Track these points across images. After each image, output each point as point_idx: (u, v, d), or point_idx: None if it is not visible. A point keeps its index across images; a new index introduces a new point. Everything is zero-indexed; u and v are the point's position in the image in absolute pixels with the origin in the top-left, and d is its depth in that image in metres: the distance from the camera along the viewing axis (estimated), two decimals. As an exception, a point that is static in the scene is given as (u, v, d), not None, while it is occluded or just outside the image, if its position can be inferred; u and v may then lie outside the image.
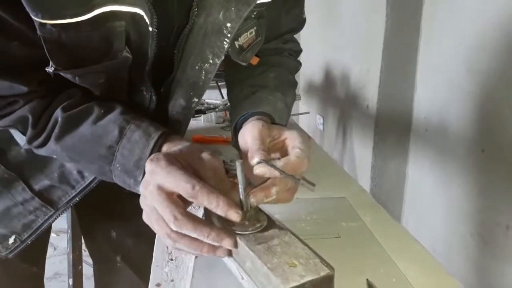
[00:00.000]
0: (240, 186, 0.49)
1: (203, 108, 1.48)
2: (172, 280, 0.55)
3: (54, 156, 0.65)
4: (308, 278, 0.42)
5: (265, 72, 0.77)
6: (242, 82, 0.77)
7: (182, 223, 0.48)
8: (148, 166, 0.51)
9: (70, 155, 0.62)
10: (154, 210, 0.50)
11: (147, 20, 0.56)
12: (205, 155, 0.54)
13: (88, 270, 1.06)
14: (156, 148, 0.55)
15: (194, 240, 0.50)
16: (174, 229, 0.48)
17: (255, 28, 0.68)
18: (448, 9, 1.52)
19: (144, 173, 0.54)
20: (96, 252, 0.97)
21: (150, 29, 0.57)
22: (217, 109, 1.47)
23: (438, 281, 0.54)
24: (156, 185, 0.50)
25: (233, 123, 0.71)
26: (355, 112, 2.26)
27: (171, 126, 0.71)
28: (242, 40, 0.67)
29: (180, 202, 0.49)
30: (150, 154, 0.54)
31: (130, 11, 0.54)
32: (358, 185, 0.92)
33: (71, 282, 0.99)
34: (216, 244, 0.49)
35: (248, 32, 0.67)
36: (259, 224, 0.50)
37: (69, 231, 0.97)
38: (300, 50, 0.87)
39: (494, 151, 1.25)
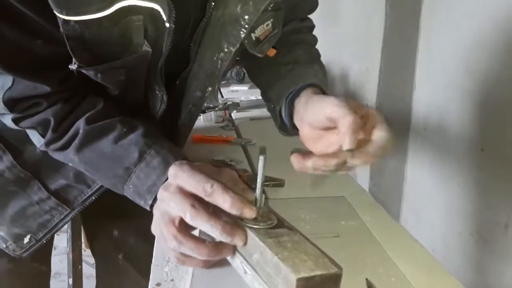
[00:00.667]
0: (258, 181, 0.50)
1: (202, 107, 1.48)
2: (172, 280, 0.55)
3: (70, 164, 0.65)
4: (318, 272, 0.43)
5: (292, 51, 0.77)
6: (271, 65, 0.77)
7: (198, 212, 0.49)
8: (172, 170, 0.54)
9: (86, 168, 0.63)
10: (165, 214, 0.51)
11: (164, 16, 0.55)
12: (223, 169, 0.56)
13: (88, 269, 1.06)
14: None
15: (200, 243, 0.51)
16: (189, 219, 0.49)
17: (271, 20, 0.68)
18: (447, 8, 1.52)
19: (155, 198, 0.55)
20: (98, 251, 0.97)
21: (167, 25, 0.57)
22: (216, 109, 1.47)
23: (437, 280, 0.55)
24: (177, 186, 0.52)
25: (277, 103, 0.71)
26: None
27: (183, 120, 0.72)
28: (259, 32, 0.67)
29: (198, 199, 0.51)
30: (165, 181, 0.55)
31: (148, 6, 0.54)
32: (357, 184, 0.92)
33: (71, 282, 0.99)
34: (227, 238, 0.49)
35: (265, 24, 0.67)
36: (270, 221, 0.51)
37: (69, 230, 0.97)
38: (314, 26, 0.88)
39: (493, 150, 1.25)
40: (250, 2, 0.61)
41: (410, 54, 1.60)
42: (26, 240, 0.75)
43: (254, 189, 0.52)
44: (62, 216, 0.75)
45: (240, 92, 1.98)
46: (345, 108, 0.52)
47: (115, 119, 0.61)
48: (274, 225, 0.51)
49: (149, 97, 0.67)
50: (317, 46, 0.90)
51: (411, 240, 0.64)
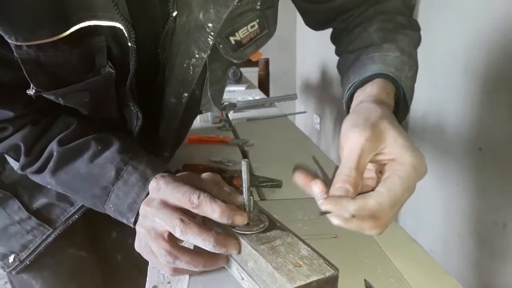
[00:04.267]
0: (244, 185, 0.49)
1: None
2: (169, 282, 0.54)
3: (49, 186, 0.64)
4: (314, 278, 0.43)
5: (365, 30, 0.67)
6: (343, 51, 0.71)
7: (188, 227, 0.47)
8: (153, 184, 0.52)
9: (64, 190, 0.61)
10: (151, 230, 0.50)
11: (127, 34, 0.54)
12: (204, 174, 0.54)
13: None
14: None
15: (195, 255, 0.50)
16: (179, 235, 0.47)
17: (257, 20, 0.64)
18: (444, 8, 1.53)
19: (137, 215, 0.54)
20: (97, 251, 0.97)
21: (130, 44, 0.55)
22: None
23: (436, 280, 0.54)
24: (160, 200, 0.50)
25: (344, 101, 0.62)
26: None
27: (164, 124, 0.70)
28: (241, 35, 0.64)
29: (184, 211, 0.49)
30: (145, 198, 0.54)
31: (109, 25, 0.52)
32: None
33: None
34: (221, 250, 0.48)
35: (249, 26, 0.64)
36: (262, 224, 0.51)
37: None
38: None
39: (491, 150, 1.25)
40: (211, 10, 0.58)
41: (407, 54, 1.60)
42: (11, 259, 0.74)
43: (232, 177, 0.50)
44: (44, 237, 0.73)
45: (237, 92, 1.98)
46: (348, 163, 0.43)
47: (89, 137, 0.60)
48: (266, 228, 0.50)
49: (124, 114, 0.66)
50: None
51: (410, 240, 0.64)
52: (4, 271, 0.75)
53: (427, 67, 1.53)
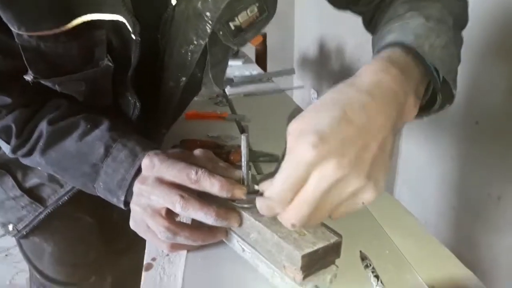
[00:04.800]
0: (243, 160, 0.49)
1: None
2: (167, 255, 0.55)
3: (39, 168, 0.64)
4: (320, 245, 0.44)
5: (392, 5, 0.62)
6: (375, 28, 0.67)
7: (189, 201, 0.47)
8: (146, 161, 0.51)
9: (54, 169, 0.61)
10: (147, 208, 0.50)
11: (129, 28, 0.54)
12: (196, 151, 0.54)
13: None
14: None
15: (194, 229, 0.51)
16: (179, 210, 0.47)
17: (257, 4, 0.63)
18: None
19: (127, 192, 0.54)
20: (105, 221, 0.98)
21: (134, 37, 0.55)
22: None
23: (431, 252, 0.55)
24: (155, 178, 0.50)
25: None
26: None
27: (162, 105, 0.70)
28: (240, 19, 0.63)
29: (181, 187, 0.49)
30: (135, 175, 0.53)
31: (111, 19, 0.52)
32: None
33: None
34: (222, 223, 0.49)
35: (248, 10, 0.63)
36: None
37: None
38: None
39: (487, 123, 1.25)
40: (209, 0, 0.58)
41: (406, 27, 1.58)
42: (10, 228, 0.77)
43: (229, 151, 0.50)
44: (37, 213, 0.75)
45: (234, 67, 1.96)
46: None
47: (79, 116, 0.59)
48: None
49: (120, 103, 0.66)
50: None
51: (405, 213, 0.65)
52: (12, 236, 0.78)
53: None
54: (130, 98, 0.65)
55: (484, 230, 1.28)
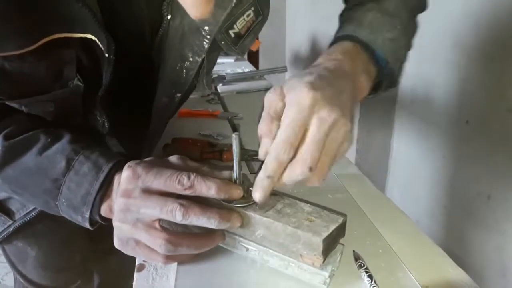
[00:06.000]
0: (234, 159, 0.49)
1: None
2: (159, 256, 0.54)
3: None
4: (332, 226, 0.46)
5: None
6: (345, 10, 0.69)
7: (190, 208, 0.45)
8: (128, 172, 0.47)
9: (13, 188, 0.57)
10: (137, 223, 0.47)
11: (101, 46, 0.51)
12: (171, 157, 0.51)
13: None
14: (107, 181, 0.51)
15: (194, 237, 0.49)
16: (180, 219, 0.45)
17: (253, 8, 0.61)
18: (435, -21, 1.51)
19: (92, 208, 0.51)
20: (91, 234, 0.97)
21: (107, 55, 0.52)
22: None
23: (424, 251, 0.55)
24: (141, 189, 0.47)
25: None
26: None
27: (155, 123, 0.69)
28: (239, 26, 0.60)
29: (170, 196, 0.47)
30: (99, 189, 0.50)
31: (80, 36, 0.50)
32: (344, 157, 0.92)
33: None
34: (226, 225, 0.47)
35: (245, 15, 0.61)
36: None
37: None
38: None
39: (478, 122, 1.26)
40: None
41: (398, 26, 1.59)
42: None
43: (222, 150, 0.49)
44: (6, 226, 0.73)
45: (226, 64, 1.95)
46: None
47: (38, 130, 0.56)
48: None
49: (89, 122, 0.63)
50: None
51: (398, 212, 0.65)
52: None
53: (416, 40, 1.52)
54: (98, 118, 0.61)
55: (475, 229, 1.29)
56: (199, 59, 0.60)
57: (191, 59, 0.60)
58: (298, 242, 0.45)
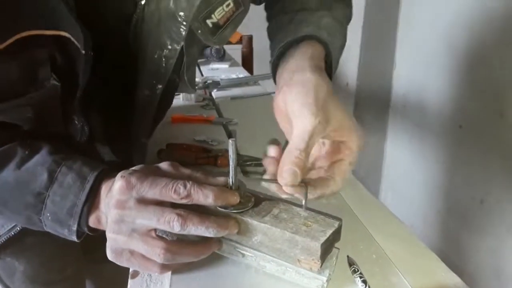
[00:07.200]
0: (231, 165, 0.48)
1: (182, 86, 1.46)
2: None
3: None
4: (329, 231, 0.46)
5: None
6: (275, 15, 0.70)
7: (188, 218, 0.44)
8: (121, 182, 0.46)
9: None
10: (133, 233, 0.46)
11: (77, 44, 0.49)
12: (162, 164, 0.50)
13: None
14: (93, 191, 0.50)
15: (192, 245, 0.48)
16: (178, 229, 0.44)
17: None
18: (427, -15, 1.52)
19: (79, 220, 0.49)
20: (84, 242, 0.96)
21: (83, 52, 0.50)
22: (196, 87, 1.45)
23: (418, 255, 0.56)
24: (136, 200, 0.45)
25: (271, 61, 0.62)
26: (335, 90, 2.28)
27: (138, 119, 0.67)
28: (217, 16, 0.59)
29: (165, 205, 0.46)
30: (86, 200, 0.49)
31: (53, 34, 0.48)
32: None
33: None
34: (223, 232, 0.46)
35: (225, 5, 0.59)
36: (252, 199, 0.51)
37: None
38: None
39: (471, 127, 1.27)
40: None
41: (390, 31, 1.60)
42: None
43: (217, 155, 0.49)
44: None
45: (220, 70, 1.96)
46: (306, 132, 0.45)
47: (14, 143, 0.53)
48: (255, 202, 0.51)
49: (68, 128, 0.60)
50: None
51: (391, 216, 0.65)
52: None
53: (409, 45, 1.53)
54: (77, 122, 0.59)
55: (469, 233, 1.30)
56: (178, 47, 0.58)
57: (169, 47, 0.58)
58: (296, 247, 0.46)
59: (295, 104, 0.47)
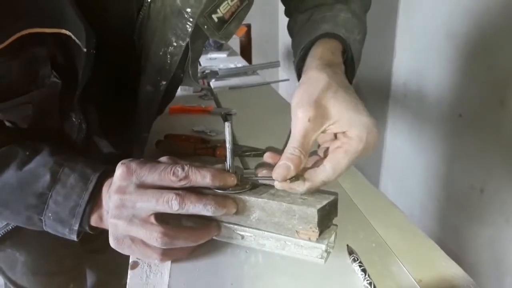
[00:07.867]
0: (227, 147, 0.49)
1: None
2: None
3: None
4: (325, 201, 0.47)
5: None
6: (294, 12, 0.70)
7: (186, 197, 0.45)
8: (123, 168, 0.47)
9: None
10: (134, 219, 0.46)
11: (78, 41, 0.49)
12: (162, 158, 0.51)
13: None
14: (96, 191, 0.51)
15: (190, 229, 0.49)
16: (177, 208, 0.45)
17: None
18: (427, -28, 1.51)
19: (81, 220, 0.50)
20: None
21: (85, 49, 0.50)
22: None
23: (417, 244, 0.55)
24: (136, 185, 0.47)
25: (294, 61, 0.64)
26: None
27: (140, 116, 0.67)
28: (222, 10, 0.59)
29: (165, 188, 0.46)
30: (89, 200, 0.50)
31: (54, 32, 0.48)
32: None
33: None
34: (222, 211, 0.47)
35: (229, 0, 0.59)
36: (249, 182, 0.51)
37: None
38: None
39: (471, 116, 1.27)
40: None
41: (390, 20, 1.59)
42: None
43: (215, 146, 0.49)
44: None
45: (219, 59, 1.94)
46: (302, 131, 0.47)
47: (13, 144, 0.54)
48: (252, 186, 0.52)
49: (63, 125, 0.60)
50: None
51: (391, 206, 0.65)
52: None
53: (409, 34, 1.52)
54: (74, 119, 0.59)
55: (468, 222, 1.30)
56: (183, 44, 0.58)
57: (175, 44, 0.58)
58: (294, 217, 0.46)
59: (292, 103, 0.49)
